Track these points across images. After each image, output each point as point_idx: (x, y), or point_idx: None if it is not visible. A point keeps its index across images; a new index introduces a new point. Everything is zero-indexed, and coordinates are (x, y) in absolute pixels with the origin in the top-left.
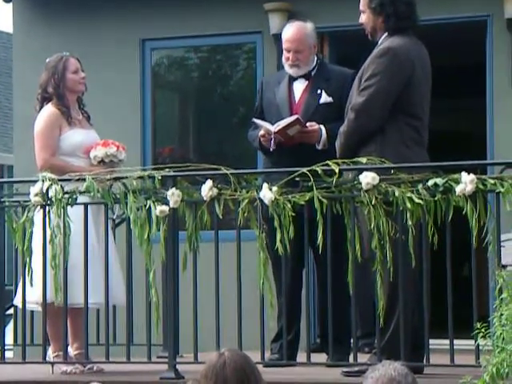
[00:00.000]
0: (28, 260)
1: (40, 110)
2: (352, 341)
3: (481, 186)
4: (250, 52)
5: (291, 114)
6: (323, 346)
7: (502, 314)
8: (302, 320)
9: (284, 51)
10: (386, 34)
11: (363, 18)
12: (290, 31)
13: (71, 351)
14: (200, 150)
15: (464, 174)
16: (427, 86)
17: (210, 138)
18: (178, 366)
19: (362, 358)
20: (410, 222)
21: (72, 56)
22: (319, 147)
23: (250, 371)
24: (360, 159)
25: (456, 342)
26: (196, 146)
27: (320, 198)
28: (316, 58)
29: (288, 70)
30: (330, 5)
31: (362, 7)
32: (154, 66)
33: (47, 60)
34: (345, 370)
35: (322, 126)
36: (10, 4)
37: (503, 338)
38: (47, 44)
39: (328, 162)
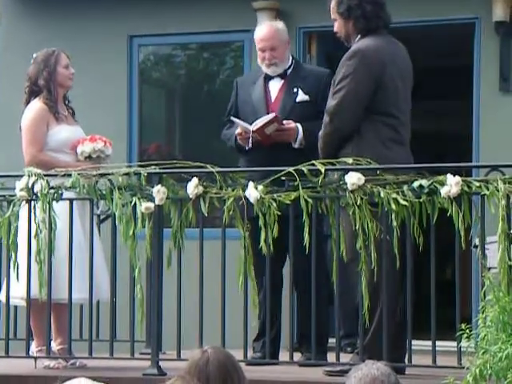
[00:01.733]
0: (13, 255)
1: (27, 103)
2: (335, 340)
3: (466, 189)
4: (238, 50)
5: (267, 113)
6: (299, 346)
7: (486, 316)
8: (282, 319)
9: (259, 52)
10: (358, 36)
11: (336, 27)
12: (262, 31)
13: (54, 346)
14: (186, 148)
15: (449, 176)
16: (404, 84)
17: (197, 136)
18: (160, 363)
19: (345, 357)
20: (394, 223)
21: (63, 51)
22: (296, 146)
23: (233, 369)
24: (346, 159)
25: (437, 343)
26: (182, 143)
27: (305, 197)
28: (291, 58)
29: (266, 69)
30: (319, 4)
31: (332, 16)
32: (141, 62)
33: (35, 55)
34: (327, 369)
35: (299, 125)
36: None
37: (487, 340)
38: (34, 38)
39: (314, 161)
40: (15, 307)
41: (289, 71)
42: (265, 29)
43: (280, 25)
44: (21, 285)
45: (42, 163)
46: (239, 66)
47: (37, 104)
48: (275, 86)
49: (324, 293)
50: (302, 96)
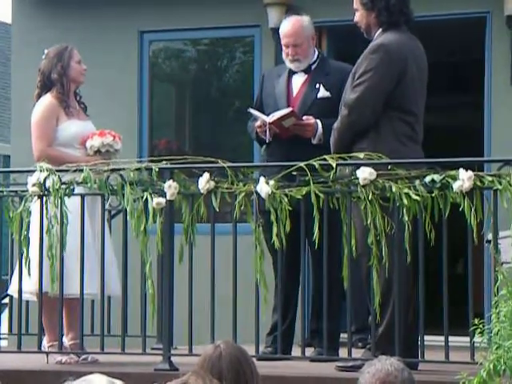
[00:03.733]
0: (25, 250)
1: (39, 97)
2: (347, 336)
3: (478, 183)
4: (248, 45)
5: (288, 107)
6: (311, 340)
7: (500, 311)
8: (297, 314)
9: (283, 47)
10: (380, 29)
11: (357, 17)
12: (286, 26)
13: (66, 341)
14: (196, 143)
15: (462, 171)
16: (421, 82)
17: (207, 131)
18: (172, 358)
19: (356, 353)
20: (406, 218)
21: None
22: (314, 141)
23: (246, 363)
24: (357, 154)
25: (450, 338)
26: (192, 138)
27: (317, 192)
28: (317, 53)
29: (289, 65)
30: None
31: (355, 5)
32: (151, 57)
33: (46, 50)
34: (339, 364)
35: (319, 121)
36: None
37: (501, 335)
38: (45, 34)
39: (325, 156)
40: (27, 302)
41: (313, 66)
42: (289, 24)
43: (305, 20)
44: (31, 280)
45: (51, 158)
46: (249, 60)
47: (47, 99)
48: (298, 80)
49: (337, 288)
50: (323, 92)
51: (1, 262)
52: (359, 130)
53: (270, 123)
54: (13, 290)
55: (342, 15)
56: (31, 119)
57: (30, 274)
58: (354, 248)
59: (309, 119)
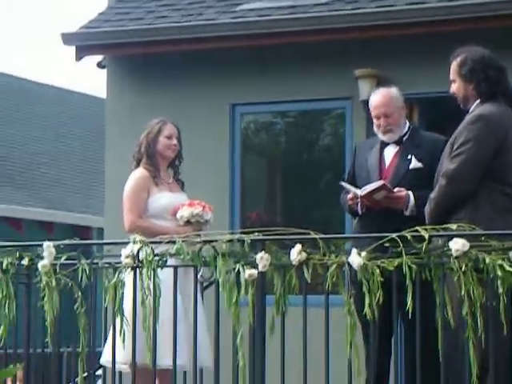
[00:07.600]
0: (119, 321)
1: (135, 168)
2: None
3: None
4: (339, 117)
5: (381, 179)
6: None
7: None
8: None
9: (374, 119)
10: (478, 100)
11: (454, 88)
12: (375, 98)
13: None
14: (287, 215)
15: None
16: None
17: (298, 203)
18: None
19: None
20: (500, 290)
21: (172, 122)
22: (407, 213)
23: None
24: (450, 225)
25: None
26: (283, 209)
27: (409, 263)
28: (408, 124)
29: (382, 136)
30: (418, 71)
31: (452, 76)
32: (242, 130)
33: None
34: None
35: (411, 192)
36: (103, 70)
37: None
38: (138, 109)
39: (417, 227)
40: (120, 373)
41: (405, 138)
42: (379, 96)
43: (394, 91)
44: (125, 350)
45: (142, 229)
46: (340, 132)
47: (138, 171)
48: (390, 152)
49: (431, 360)
50: (415, 163)
51: (95, 334)
52: (457, 201)
53: (361, 196)
54: (105, 360)
55: (432, 87)
56: (124, 191)
57: (124, 346)
58: (451, 320)
59: (400, 191)
